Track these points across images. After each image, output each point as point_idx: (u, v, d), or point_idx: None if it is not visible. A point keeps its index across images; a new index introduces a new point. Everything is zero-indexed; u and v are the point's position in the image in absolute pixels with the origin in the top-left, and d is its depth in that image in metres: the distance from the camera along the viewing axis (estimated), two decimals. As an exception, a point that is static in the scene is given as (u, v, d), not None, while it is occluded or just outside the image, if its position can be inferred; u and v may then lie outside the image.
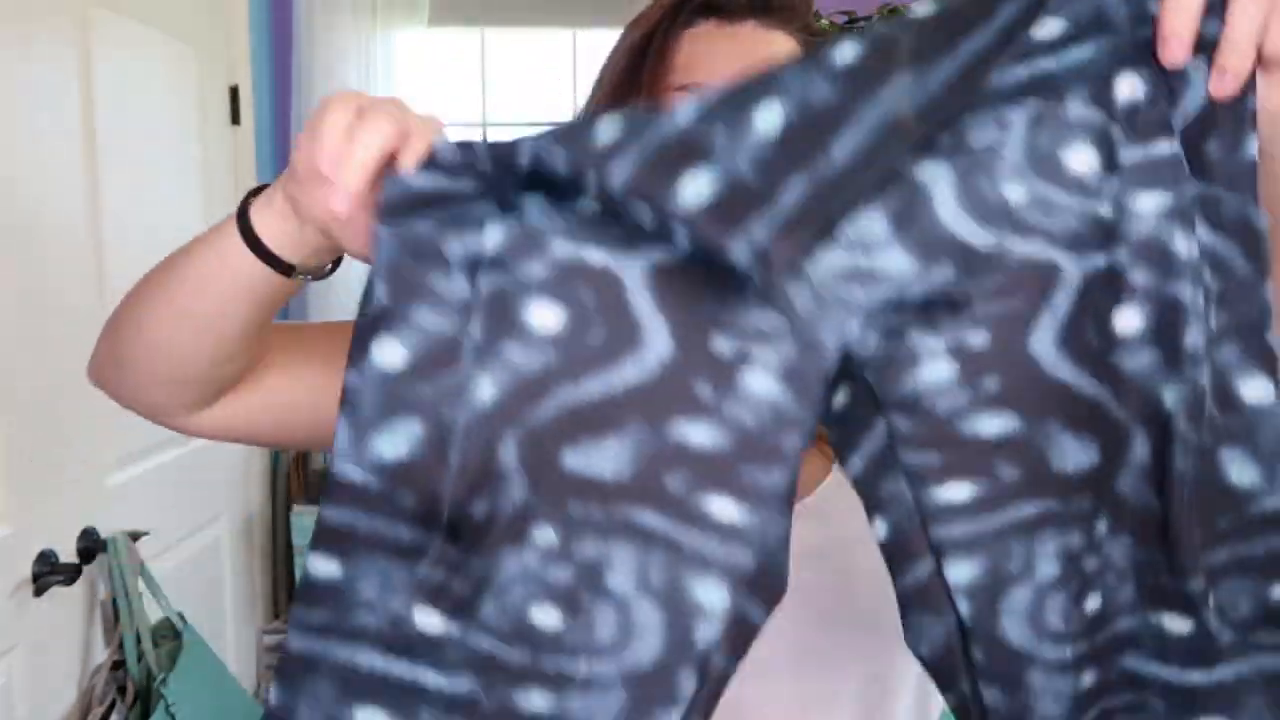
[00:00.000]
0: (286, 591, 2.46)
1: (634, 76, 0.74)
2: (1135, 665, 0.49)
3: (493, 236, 0.45)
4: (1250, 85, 0.46)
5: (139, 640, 1.55)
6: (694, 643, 0.45)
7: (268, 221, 0.58)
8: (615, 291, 0.45)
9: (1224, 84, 0.45)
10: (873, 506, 0.48)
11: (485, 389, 0.45)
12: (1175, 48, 0.45)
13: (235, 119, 2.21)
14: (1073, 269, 0.46)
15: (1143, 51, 0.45)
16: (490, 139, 0.46)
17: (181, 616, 1.70)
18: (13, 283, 1.37)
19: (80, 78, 1.56)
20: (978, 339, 0.46)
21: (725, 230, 0.41)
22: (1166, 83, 0.45)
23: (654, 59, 0.73)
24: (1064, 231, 0.46)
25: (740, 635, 0.46)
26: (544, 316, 0.45)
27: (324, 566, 0.47)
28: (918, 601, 0.47)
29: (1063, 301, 0.46)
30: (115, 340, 0.71)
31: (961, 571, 0.47)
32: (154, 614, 1.65)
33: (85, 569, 1.49)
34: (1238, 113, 0.45)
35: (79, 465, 1.53)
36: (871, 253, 0.45)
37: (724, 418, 0.45)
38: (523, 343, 0.44)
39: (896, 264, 0.45)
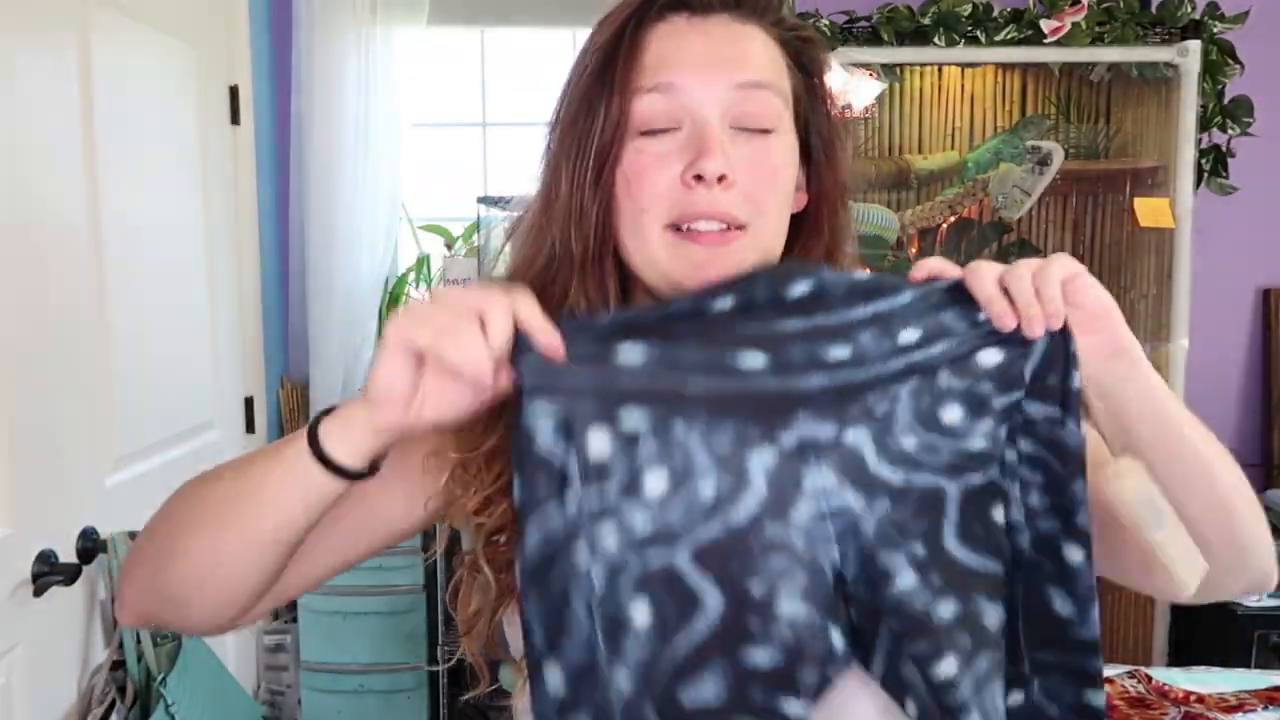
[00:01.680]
0: (286, 591, 2.46)
1: (605, 76, 0.71)
2: None
3: (597, 580, 0.62)
4: (1067, 340, 0.65)
5: (139, 640, 1.55)
6: None
7: (347, 437, 0.64)
8: (676, 578, 0.62)
9: (1033, 329, 0.64)
10: (899, 694, 0.65)
11: (622, 681, 0.61)
12: (1007, 323, 0.65)
13: (235, 119, 2.21)
14: (952, 489, 0.65)
15: (984, 339, 0.65)
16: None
17: (181, 616, 1.70)
18: (13, 283, 1.37)
19: (80, 77, 1.56)
20: (920, 550, 0.64)
21: None
22: (1009, 351, 0.65)
23: (624, 58, 0.71)
24: (943, 464, 0.65)
25: None
26: (641, 616, 0.62)
27: None
28: None
29: (953, 512, 0.65)
30: (160, 577, 0.71)
31: None
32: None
33: (85, 569, 1.49)
34: (1065, 354, 0.64)
35: (79, 465, 1.53)
36: (830, 498, 0.63)
37: (773, 638, 0.62)
38: (637, 642, 0.62)
39: (851, 502, 0.64)
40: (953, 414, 0.65)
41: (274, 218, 2.58)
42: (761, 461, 0.62)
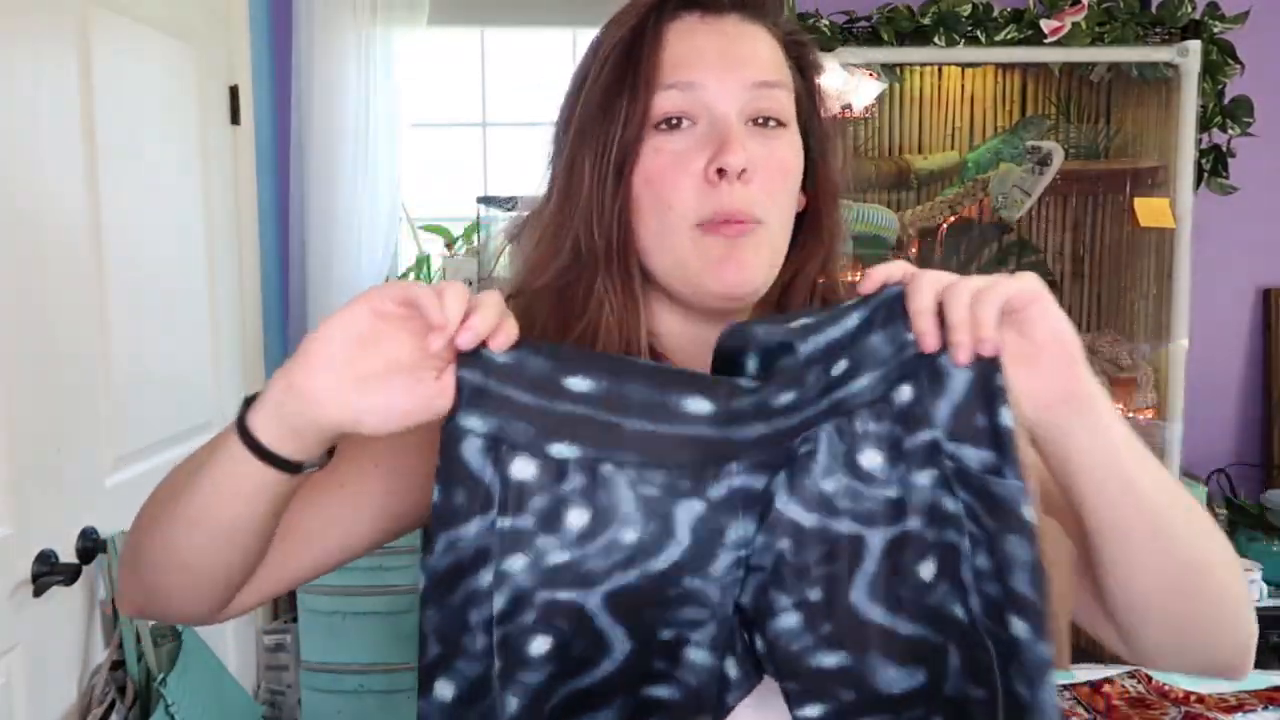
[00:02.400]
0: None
1: (625, 73, 0.72)
2: None
3: (499, 603, 0.61)
4: (994, 369, 0.57)
5: (139, 640, 1.55)
6: None
7: (269, 427, 0.60)
8: (585, 619, 0.61)
9: (958, 356, 0.57)
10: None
11: (511, 703, 0.61)
12: (928, 343, 0.58)
13: (235, 119, 2.21)
14: (875, 539, 0.61)
15: (908, 366, 0.59)
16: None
17: (181, 616, 1.70)
18: (13, 283, 1.37)
19: (80, 77, 1.56)
20: (814, 594, 0.61)
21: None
22: (930, 382, 0.59)
23: (639, 57, 0.72)
24: (865, 512, 0.61)
25: None
26: (539, 646, 0.61)
27: None
28: None
29: (870, 564, 0.61)
30: (140, 570, 0.71)
31: None
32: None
33: (85, 569, 1.49)
34: (990, 391, 0.58)
35: (79, 465, 1.53)
36: (747, 546, 0.61)
37: (676, 680, 0.63)
38: (529, 669, 0.61)
39: (758, 543, 0.61)
40: (871, 458, 0.61)
41: (274, 218, 2.58)
42: (688, 513, 0.61)
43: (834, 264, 0.80)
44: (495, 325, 0.59)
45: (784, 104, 0.74)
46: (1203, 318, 2.53)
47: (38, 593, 1.40)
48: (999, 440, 0.57)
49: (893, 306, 0.60)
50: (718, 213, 0.70)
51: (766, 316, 0.72)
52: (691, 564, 0.61)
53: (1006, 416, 0.57)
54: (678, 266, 0.73)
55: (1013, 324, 0.58)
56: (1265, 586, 2.23)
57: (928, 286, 0.58)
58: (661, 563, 0.61)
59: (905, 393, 0.60)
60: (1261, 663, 2.21)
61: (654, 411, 0.60)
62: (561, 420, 0.60)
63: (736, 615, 0.63)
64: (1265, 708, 1.47)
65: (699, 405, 0.60)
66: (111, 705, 1.51)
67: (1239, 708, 1.47)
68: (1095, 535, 0.63)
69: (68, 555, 1.47)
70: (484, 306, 0.59)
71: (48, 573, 1.40)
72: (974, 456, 0.58)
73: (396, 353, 0.59)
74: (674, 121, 0.72)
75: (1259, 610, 2.36)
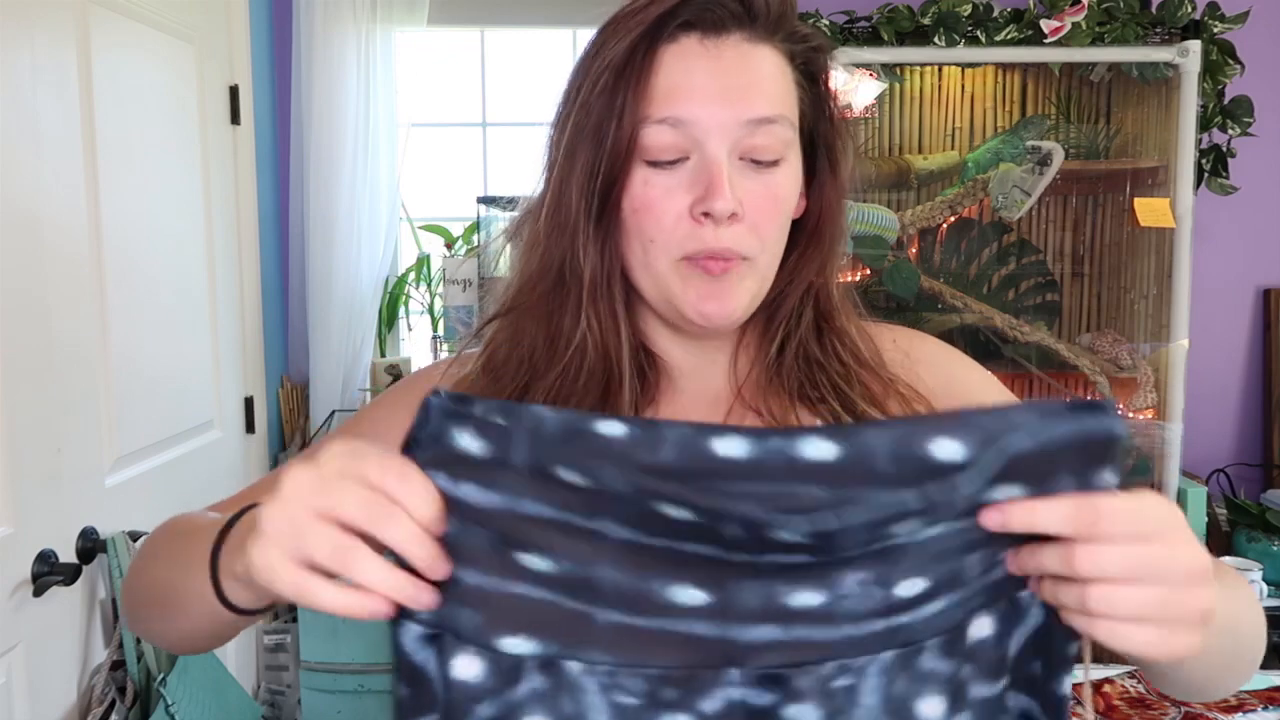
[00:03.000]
0: (286, 591, 2.45)
1: (613, 101, 0.69)
2: None
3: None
4: (1072, 631, 0.49)
5: (139, 640, 1.55)
6: None
7: (236, 591, 0.61)
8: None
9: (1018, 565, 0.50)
10: None
11: None
12: (1014, 569, 0.50)
13: (235, 118, 2.21)
14: None
15: (991, 593, 0.49)
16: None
17: (181, 616, 1.70)
18: (13, 283, 1.37)
19: (80, 77, 1.56)
20: None
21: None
22: (1009, 617, 0.50)
23: (634, 85, 0.69)
24: None
25: None
26: None
27: None
28: None
29: None
30: (136, 625, 0.78)
31: None
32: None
33: (85, 569, 1.49)
34: (1059, 652, 0.50)
35: (79, 465, 1.53)
36: None
37: None
38: None
39: None
40: (933, 708, 0.49)
41: (274, 218, 2.58)
42: None
43: (832, 266, 0.78)
44: (419, 519, 0.49)
45: (780, 139, 0.71)
46: (1203, 318, 2.53)
47: (38, 593, 1.40)
48: (1050, 702, 0.50)
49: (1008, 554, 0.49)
50: (701, 251, 0.69)
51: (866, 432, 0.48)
52: None
53: (1066, 686, 0.50)
54: (660, 294, 0.72)
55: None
56: (1265, 586, 2.22)
57: (1065, 564, 0.48)
58: None
59: (984, 625, 0.50)
60: (1262, 662, 2.21)
61: (632, 600, 0.49)
62: (515, 606, 0.49)
63: None
64: (1265, 708, 1.47)
65: (690, 595, 0.49)
66: (111, 705, 1.51)
67: (1239, 708, 1.47)
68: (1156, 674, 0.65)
69: (68, 555, 1.47)
70: (396, 528, 0.48)
71: (48, 573, 1.40)
72: (1024, 704, 0.51)
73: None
74: (669, 159, 0.70)
75: (1259, 610, 2.31)
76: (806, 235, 0.78)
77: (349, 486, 0.48)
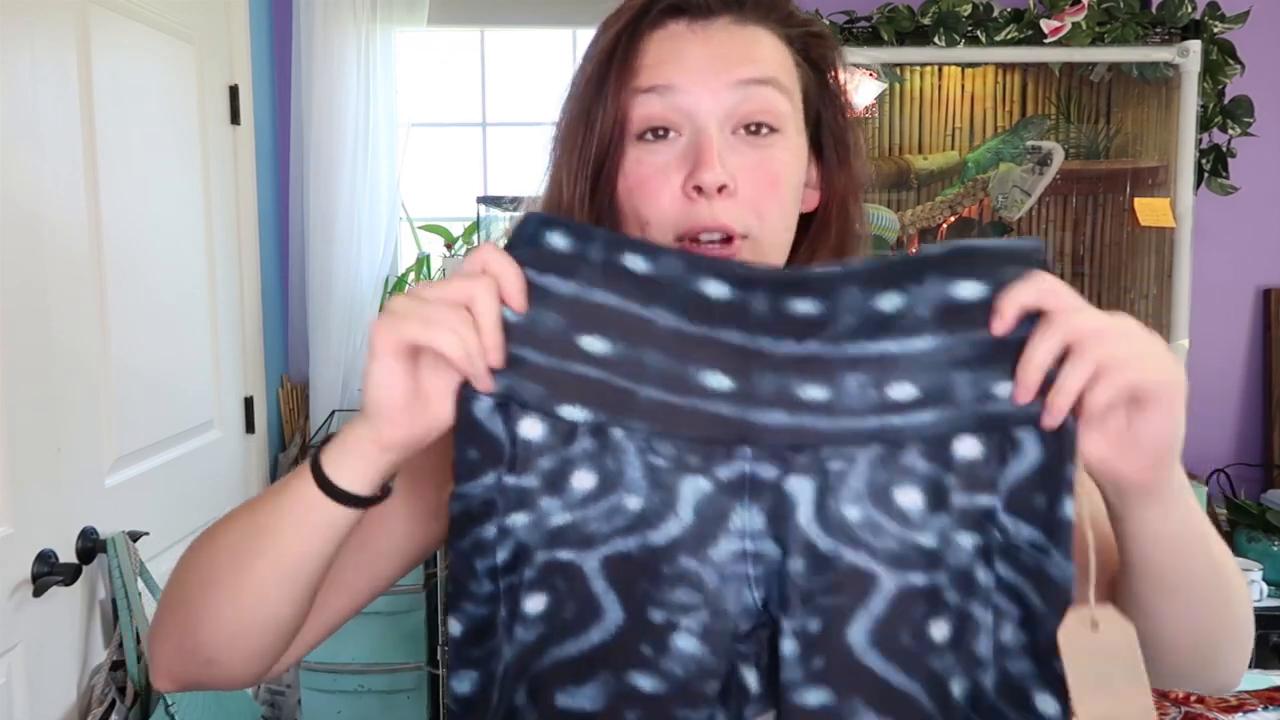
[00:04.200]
0: (286, 591, 2.45)
1: (601, 82, 0.70)
2: None
3: (501, 555, 0.61)
4: (1071, 452, 0.55)
5: (139, 640, 1.55)
6: None
7: (352, 464, 0.62)
8: (581, 580, 0.60)
9: (1050, 419, 0.54)
10: None
11: (507, 652, 0.62)
12: (1021, 395, 0.55)
13: (235, 118, 2.21)
14: (889, 581, 0.58)
15: (984, 422, 0.56)
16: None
17: (181, 616, 1.70)
18: (13, 282, 1.37)
19: (80, 77, 1.56)
20: (813, 624, 0.58)
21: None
22: (1001, 447, 0.56)
23: (619, 63, 0.69)
24: (885, 550, 0.58)
25: None
26: (535, 603, 0.61)
27: None
28: None
29: (878, 605, 0.58)
30: (186, 633, 0.68)
31: None
32: (153, 614, 1.65)
33: (85, 569, 1.49)
34: (1058, 476, 0.55)
35: (79, 465, 1.53)
36: (756, 540, 0.59)
37: (661, 670, 0.60)
38: (524, 624, 0.61)
39: (770, 550, 0.59)
40: (910, 498, 0.58)
41: (274, 218, 2.58)
42: (693, 489, 0.59)
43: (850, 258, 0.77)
44: (507, 291, 0.59)
45: (776, 104, 0.70)
46: (1203, 318, 2.53)
47: (38, 593, 1.40)
48: (1055, 529, 0.55)
49: (1002, 348, 0.56)
50: (694, 228, 0.68)
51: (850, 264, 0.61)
52: (691, 543, 0.59)
53: (1068, 509, 0.55)
54: None
55: (1126, 405, 0.55)
56: (1265, 586, 2.22)
57: (1059, 333, 0.54)
58: (660, 536, 0.59)
59: (970, 446, 0.57)
60: (1261, 662, 2.21)
61: (671, 382, 0.59)
62: (574, 382, 0.59)
63: (765, 623, 0.60)
64: (1265, 708, 1.47)
65: (718, 381, 0.59)
66: (111, 705, 1.51)
67: (1239, 708, 1.47)
68: (1135, 581, 0.63)
69: (68, 555, 1.47)
70: (482, 295, 0.58)
71: (48, 573, 1.40)
72: (1028, 534, 0.56)
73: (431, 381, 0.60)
74: (659, 132, 0.69)
75: (1259, 610, 2.34)
76: (814, 228, 0.77)
77: (454, 279, 0.59)
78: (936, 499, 0.57)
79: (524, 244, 0.60)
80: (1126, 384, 0.54)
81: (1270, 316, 2.66)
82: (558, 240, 0.60)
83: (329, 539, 0.63)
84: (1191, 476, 2.45)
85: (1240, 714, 1.46)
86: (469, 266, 0.59)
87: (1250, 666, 2.06)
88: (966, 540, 0.58)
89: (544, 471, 0.60)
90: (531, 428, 0.59)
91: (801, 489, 0.58)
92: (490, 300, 0.58)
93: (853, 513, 0.58)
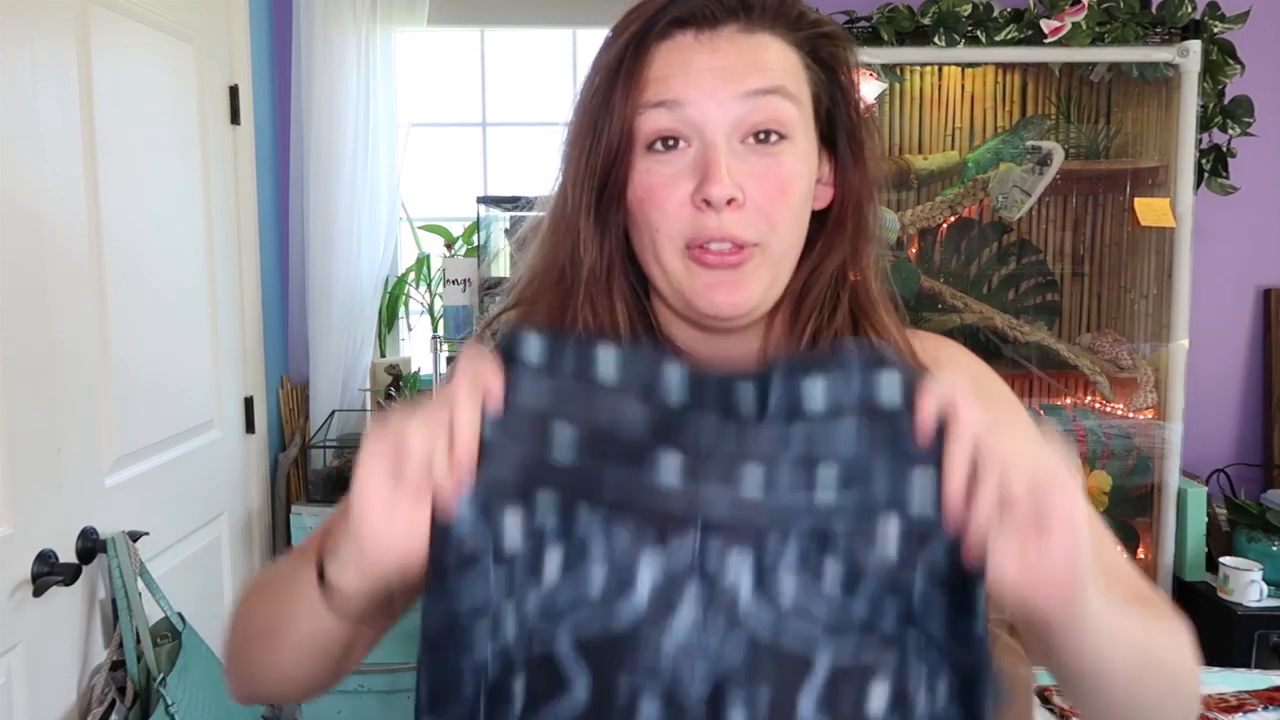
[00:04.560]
0: (286, 591, 2.45)
1: (608, 95, 0.70)
2: None
3: (488, 650, 0.63)
4: (982, 576, 0.57)
5: (139, 640, 1.55)
6: None
7: (349, 580, 0.64)
8: (551, 653, 0.61)
9: (969, 553, 0.57)
10: None
11: None
12: (952, 507, 0.57)
13: (235, 118, 2.21)
14: (828, 650, 0.61)
15: (902, 509, 0.60)
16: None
17: (181, 617, 1.70)
18: (13, 283, 1.37)
19: (80, 77, 1.56)
20: (762, 695, 0.60)
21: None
22: (921, 533, 0.60)
23: (625, 76, 0.69)
24: (823, 621, 0.61)
25: None
26: (519, 689, 0.62)
27: None
28: None
29: (821, 673, 0.60)
30: (246, 684, 0.81)
31: None
32: (153, 614, 1.65)
33: (85, 569, 1.49)
34: (969, 591, 0.58)
35: (79, 465, 1.53)
36: (707, 614, 0.61)
37: None
38: (509, 714, 0.62)
39: (719, 624, 0.61)
40: (840, 570, 0.61)
41: (274, 218, 2.58)
42: (651, 567, 0.61)
43: (864, 260, 0.77)
44: (485, 397, 0.61)
45: (784, 112, 0.70)
46: (1203, 318, 2.53)
47: (38, 593, 1.40)
48: (971, 604, 0.59)
49: (922, 452, 0.60)
50: (700, 237, 0.69)
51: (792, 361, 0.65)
52: (649, 619, 0.61)
53: (980, 626, 0.59)
54: (670, 286, 0.72)
55: (1034, 504, 0.56)
56: (1265, 586, 2.22)
57: (964, 452, 0.57)
58: (622, 615, 0.61)
59: (893, 529, 0.60)
60: (1261, 663, 2.20)
61: (630, 461, 0.62)
62: (546, 475, 0.62)
63: (718, 694, 0.61)
64: (1265, 708, 1.47)
65: (670, 461, 0.62)
66: (111, 705, 1.51)
67: (1239, 708, 1.47)
68: (1060, 680, 0.65)
69: (68, 555, 1.47)
70: (461, 423, 0.59)
71: (48, 573, 1.40)
72: (941, 625, 0.60)
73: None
74: (669, 142, 0.70)
75: (1259, 610, 2.34)
76: (829, 227, 0.77)
77: (430, 408, 0.60)
78: (865, 570, 0.61)
79: (503, 351, 0.63)
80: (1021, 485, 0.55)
81: (1270, 316, 2.66)
82: (533, 351, 0.63)
83: (347, 628, 0.68)
84: (1191, 476, 2.45)
85: (1240, 714, 1.46)
86: (455, 380, 0.61)
87: (1250, 666, 2.06)
88: (894, 606, 0.61)
89: (525, 562, 0.62)
90: (514, 523, 0.62)
91: (743, 566, 0.61)
92: (471, 411, 0.60)
93: (790, 586, 0.61)
